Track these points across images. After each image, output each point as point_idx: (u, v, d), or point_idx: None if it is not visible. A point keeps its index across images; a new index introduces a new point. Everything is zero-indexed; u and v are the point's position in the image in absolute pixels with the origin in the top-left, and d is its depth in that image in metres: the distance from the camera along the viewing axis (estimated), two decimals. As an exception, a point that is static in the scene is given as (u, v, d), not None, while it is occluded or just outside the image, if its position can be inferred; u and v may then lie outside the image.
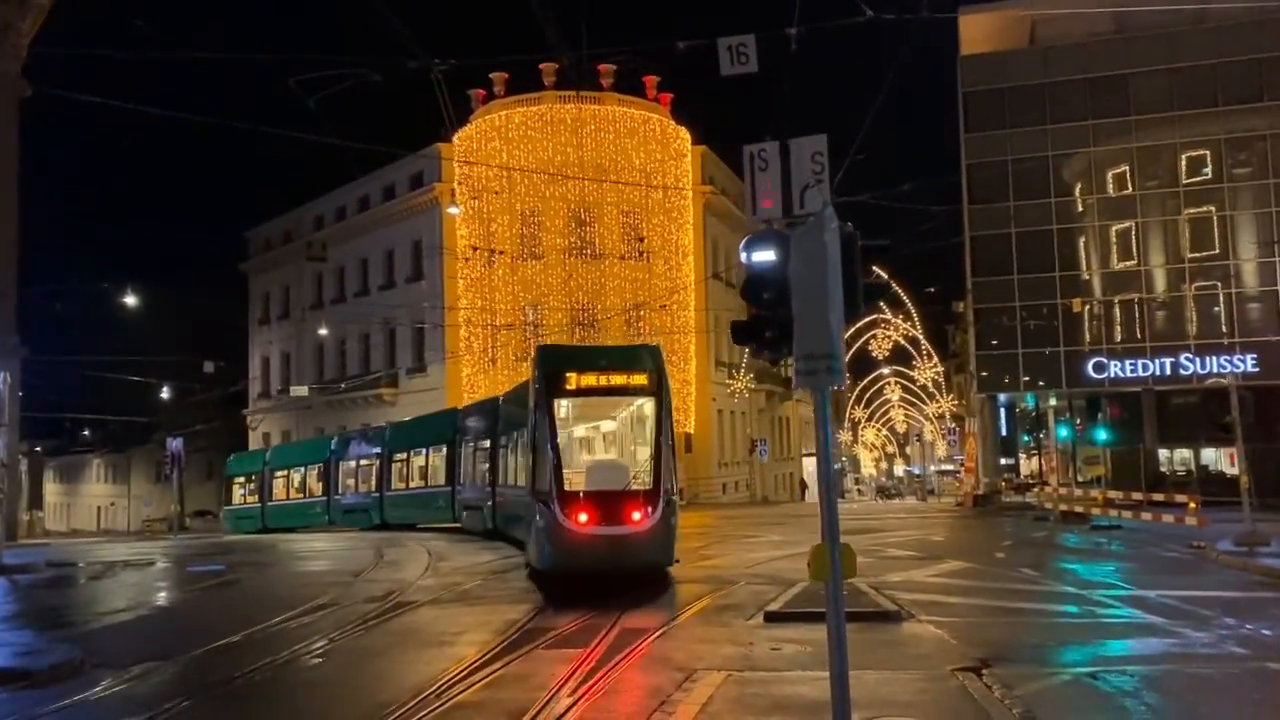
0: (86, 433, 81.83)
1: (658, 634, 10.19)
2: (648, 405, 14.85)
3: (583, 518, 13.26)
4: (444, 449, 27.15)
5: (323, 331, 52.08)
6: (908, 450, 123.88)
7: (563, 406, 14.95)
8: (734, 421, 54.11)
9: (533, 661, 8.93)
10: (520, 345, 43.70)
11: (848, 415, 75.72)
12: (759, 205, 6.32)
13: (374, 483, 31.54)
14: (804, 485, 66.11)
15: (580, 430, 16.13)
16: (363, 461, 32.66)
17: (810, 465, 74.18)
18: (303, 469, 37.09)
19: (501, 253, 42.78)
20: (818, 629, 10.41)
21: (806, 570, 15.02)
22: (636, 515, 13.43)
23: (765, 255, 6.18)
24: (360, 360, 52.51)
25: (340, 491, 34.03)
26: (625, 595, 12.95)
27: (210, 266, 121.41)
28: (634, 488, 13.95)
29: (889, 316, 55.65)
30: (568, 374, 14.85)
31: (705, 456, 48.98)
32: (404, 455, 30.00)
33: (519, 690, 7.85)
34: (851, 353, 68.35)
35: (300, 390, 49.79)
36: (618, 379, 15.06)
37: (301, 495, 36.77)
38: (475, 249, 43.22)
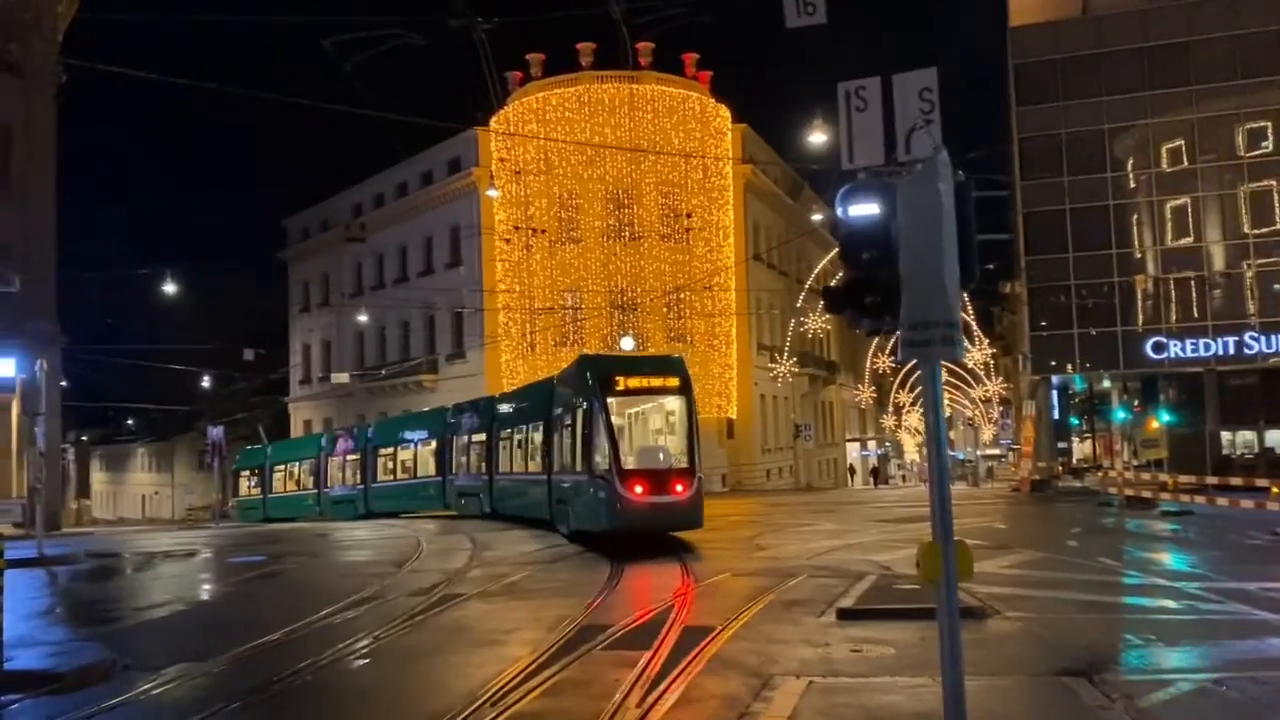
0: (130, 422, 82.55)
1: (723, 633, 9.44)
2: (680, 402, 18.41)
3: (638, 489, 16.72)
4: (433, 444, 29.71)
5: (362, 318, 51.79)
6: (951, 435, 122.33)
7: (612, 405, 17.70)
8: (776, 406, 53.18)
9: (592, 664, 8.23)
10: (559, 330, 43.09)
11: (891, 399, 74.52)
12: (856, 151, 5.50)
13: (360, 476, 33.70)
14: (852, 470, 65.13)
15: (622, 423, 18.33)
16: (350, 457, 34.68)
17: (854, 450, 73.10)
18: (298, 464, 39.03)
19: (543, 231, 42.15)
20: (897, 627, 9.66)
21: (869, 561, 14.28)
22: (679, 488, 17.13)
23: (865, 209, 5.37)
24: (400, 347, 52.23)
25: (329, 484, 35.86)
26: (681, 589, 12.25)
27: (250, 255, 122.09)
28: (676, 466, 17.35)
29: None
30: (616, 378, 18.17)
31: (748, 442, 48.15)
32: (390, 450, 32.45)
33: (581, 699, 7.15)
34: (894, 337, 67.31)
35: (341, 377, 49.58)
36: (656, 382, 18.69)
37: (296, 488, 38.71)
38: (516, 229, 42.67)
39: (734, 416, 46.45)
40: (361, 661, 8.81)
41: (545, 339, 43.29)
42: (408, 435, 32.07)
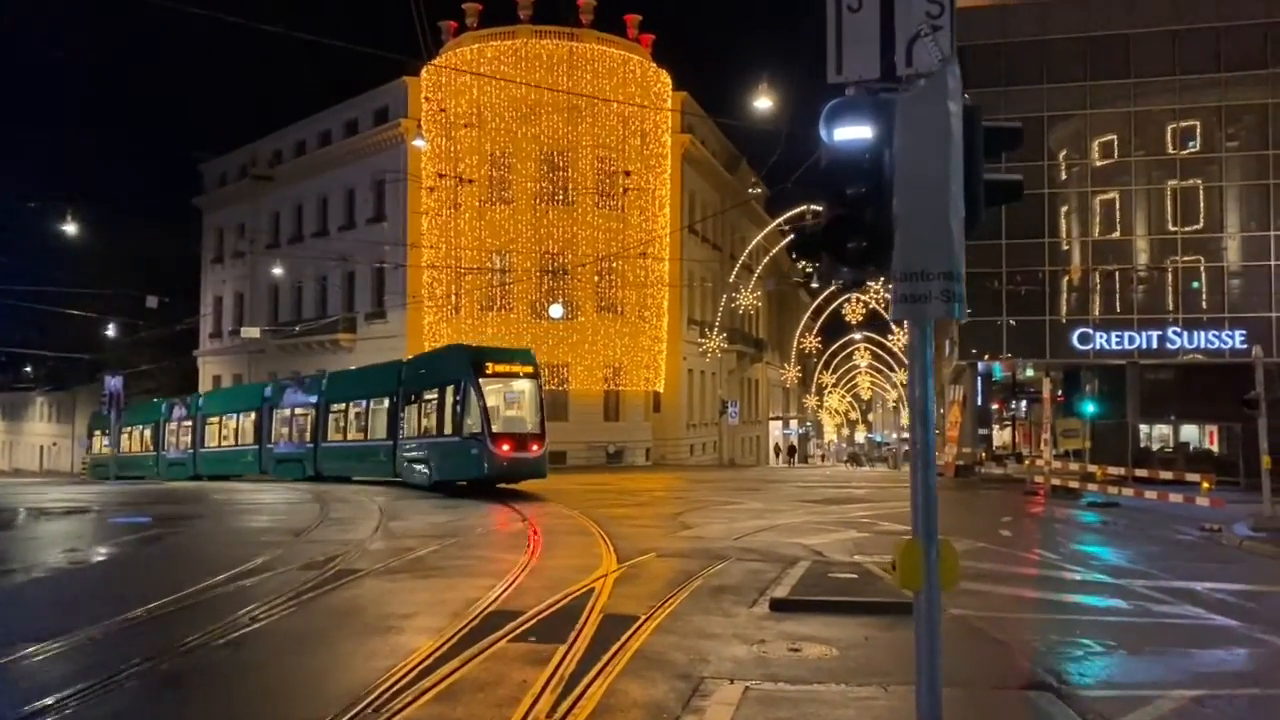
0: (29, 369, 78.64)
1: (648, 624, 8.48)
2: (533, 384, 24.36)
3: (505, 447, 22.66)
4: (385, 402, 27.93)
5: (277, 271, 49.61)
6: (869, 417, 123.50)
7: (484, 384, 23.09)
8: (704, 382, 52.53)
9: (498, 661, 7.19)
10: (486, 293, 41.67)
11: (815, 379, 74.58)
12: (846, 61, 4.49)
13: (310, 433, 31.41)
14: (792, 449, 65.07)
15: (492, 398, 23.29)
16: (299, 410, 32.23)
17: (776, 429, 73.02)
18: (236, 415, 36.05)
19: (471, 182, 40.53)
20: (836, 623, 8.79)
21: (800, 545, 13.46)
22: (535, 447, 23.42)
23: (854, 132, 4.38)
24: (316, 304, 50.19)
25: (274, 440, 33.36)
26: (602, 571, 11.28)
27: (162, 199, 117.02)
28: (531, 432, 23.62)
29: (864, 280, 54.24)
30: (487, 363, 23.81)
31: (674, 417, 47.41)
32: (340, 406, 30.37)
33: (481, 705, 6.11)
34: (824, 316, 67.29)
35: (252, 332, 47.39)
36: (516, 368, 24.40)
37: (234, 443, 35.81)
38: (441, 176, 40.94)
39: (661, 390, 45.62)
40: (229, 650, 7.63)
41: (471, 301, 41.83)
42: (362, 391, 29.50)
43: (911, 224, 4.11)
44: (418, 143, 37.37)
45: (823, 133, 4.39)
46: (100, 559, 13.32)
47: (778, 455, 65.31)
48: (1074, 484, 24.70)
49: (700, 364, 50.26)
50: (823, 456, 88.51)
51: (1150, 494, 21.48)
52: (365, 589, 10.36)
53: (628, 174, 42.22)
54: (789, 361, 64.41)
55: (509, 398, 24.11)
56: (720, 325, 48.15)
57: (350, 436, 29.54)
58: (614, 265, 42.22)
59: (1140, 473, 25.17)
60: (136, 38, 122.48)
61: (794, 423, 78.62)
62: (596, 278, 42.07)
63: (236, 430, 35.28)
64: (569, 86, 40.62)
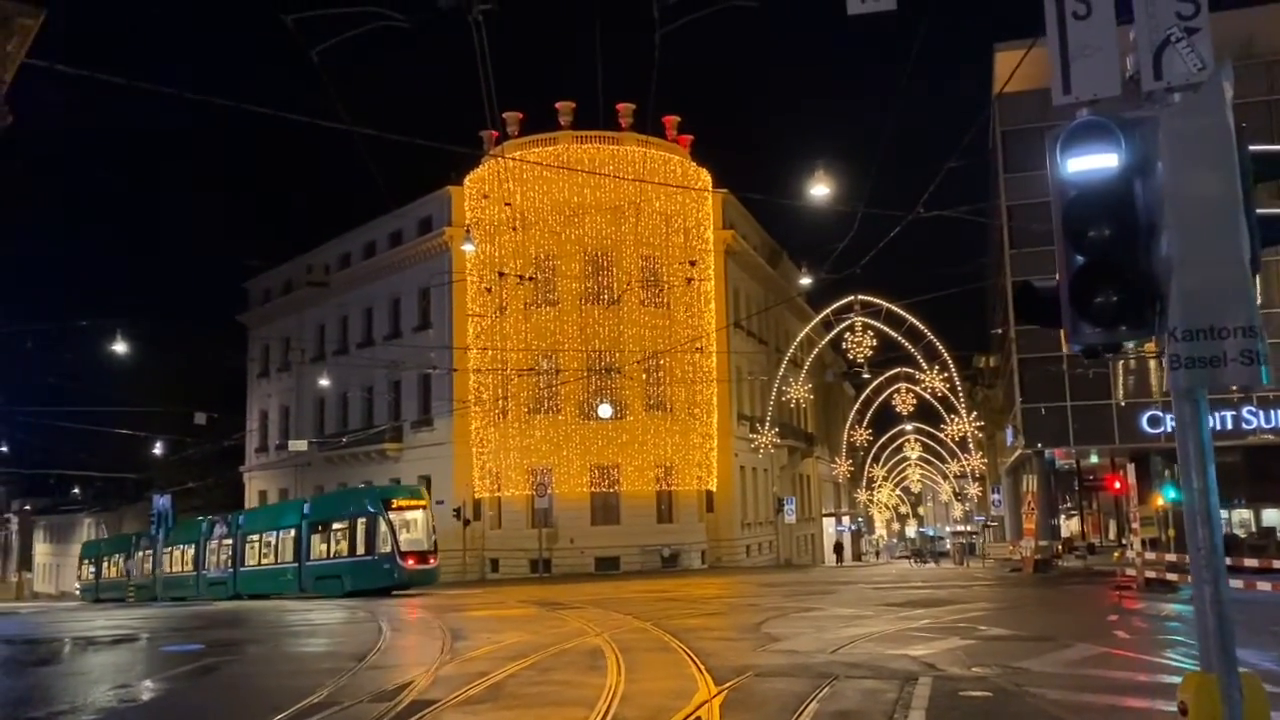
0: (76, 491, 78.78)
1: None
2: (425, 514, 32.64)
3: (411, 561, 30.74)
4: (292, 532, 34.73)
5: (323, 383, 49.50)
6: (920, 510, 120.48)
7: (392, 515, 31.32)
8: (757, 479, 51.23)
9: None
10: (533, 395, 41.06)
11: (866, 473, 72.79)
12: (1076, 78, 3.68)
13: (232, 560, 37.31)
14: (839, 547, 63.13)
15: (396, 523, 31.20)
16: (225, 541, 37.89)
17: (830, 525, 71.04)
18: (183, 547, 40.82)
19: (521, 277, 40.34)
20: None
21: (907, 657, 12.22)
22: (430, 560, 31.83)
23: (1093, 162, 3.53)
24: (363, 414, 49.83)
25: (206, 567, 38.73)
26: (701, 695, 10.13)
27: (207, 318, 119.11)
28: (427, 549, 31.83)
29: (913, 370, 53.17)
30: (393, 500, 32.36)
31: (728, 516, 46.07)
32: (257, 536, 36.57)
33: None
34: (873, 409, 65.95)
35: (299, 445, 47.01)
36: (413, 502, 32.92)
37: (181, 569, 40.95)
38: (501, 275, 40.92)
39: (714, 489, 44.40)
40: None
41: (518, 404, 41.21)
42: (274, 523, 36.33)
43: (1192, 269, 3.24)
44: (466, 247, 37.43)
45: (1056, 164, 3.56)
46: (152, 695, 12.35)
47: (839, 553, 63.39)
48: (1171, 576, 23.11)
49: (752, 460, 49.07)
50: (876, 553, 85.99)
51: (1264, 585, 19.91)
52: (444, 725, 9.30)
53: (692, 263, 42.05)
54: (839, 455, 62.92)
55: (407, 523, 31.61)
56: (770, 420, 47.11)
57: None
58: (661, 363, 41.60)
59: (1251, 562, 23.48)
60: (172, 167, 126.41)
61: (846, 519, 76.59)
62: (644, 376, 41.43)
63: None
64: (611, 188, 40.65)
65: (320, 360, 52.09)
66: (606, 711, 9.52)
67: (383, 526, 30.60)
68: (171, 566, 41.39)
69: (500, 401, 41.75)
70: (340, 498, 36.55)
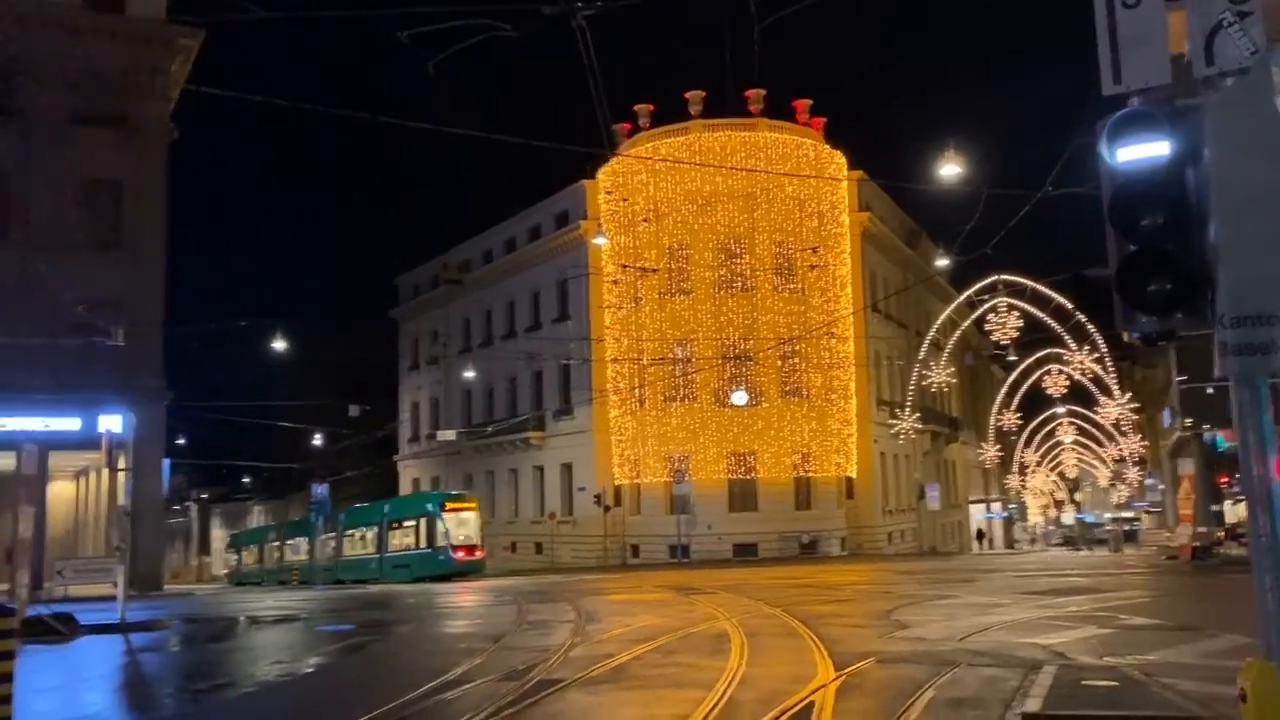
0: (246, 480, 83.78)
1: (883, 746, 7.43)
2: (474, 514, 37.44)
3: (460, 554, 35.57)
4: (375, 529, 40.37)
5: (469, 375, 51.28)
6: (1077, 496, 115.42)
7: (446, 515, 36.33)
8: (898, 465, 50.32)
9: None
10: (669, 384, 41.49)
11: (1017, 458, 70.31)
12: (1126, 66, 3.68)
13: (336, 550, 42.22)
14: (980, 534, 61.43)
15: (451, 522, 36.25)
16: (330, 534, 42.42)
17: (977, 512, 69.03)
18: (299, 539, 47.03)
19: (655, 270, 40.86)
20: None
21: (1036, 645, 12.00)
22: (477, 553, 36.39)
23: (1144, 149, 3.53)
24: (507, 404, 51.37)
25: (318, 556, 42.55)
26: (819, 680, 10.24)
27: (362, 316, 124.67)
28: (474, 543, 36.45)
29: (1063, 351, 51.16)
30: (447, 503, 37.23)
31: (868, 503, 45.44)
32: (353, 531, 41.79)
33: None
34: (1022, 392, 63.64)
35: (447, 435, 48.86)
36: (465, 505, 37.69)
37: (297, 558, 46.65)
38: (625, 267, 41.56)
39: (853, 475, 43.89)
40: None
41: (655, 393, 41.73)
42: (365, 520, 41.69)
43: (1241, 255, 3.23)
44: (599, 240, 38.10)
45: (1104, 154, 3.58)
46: (307, 671, 13.26)
47: (980, 540, 61.60)
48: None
49: (893, 447, 48.25)
50: (1031, 540, 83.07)
51: None
52: (568, 703, 9.73)
53: (815, 250, 41.65)
54: (986, 440, 61.06)
55: (461, 524, 36.55)
56: (911, 405, 46.21)
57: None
58: (797, 349, 41.35)
59: None
60: (323, 178, 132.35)
61: (996, 505, 74.23)
62: (779, 362, 41.27)
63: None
64: (743, 175, 40.63)
65: (466, 353, 53.95)
66: (723, 694, 9.75)
67: (440, 525, 35.95)
68: (293, 555, 47.22)
69: (637, 390, 42.35)
70: (410, 501, 42.69)
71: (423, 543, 36.81)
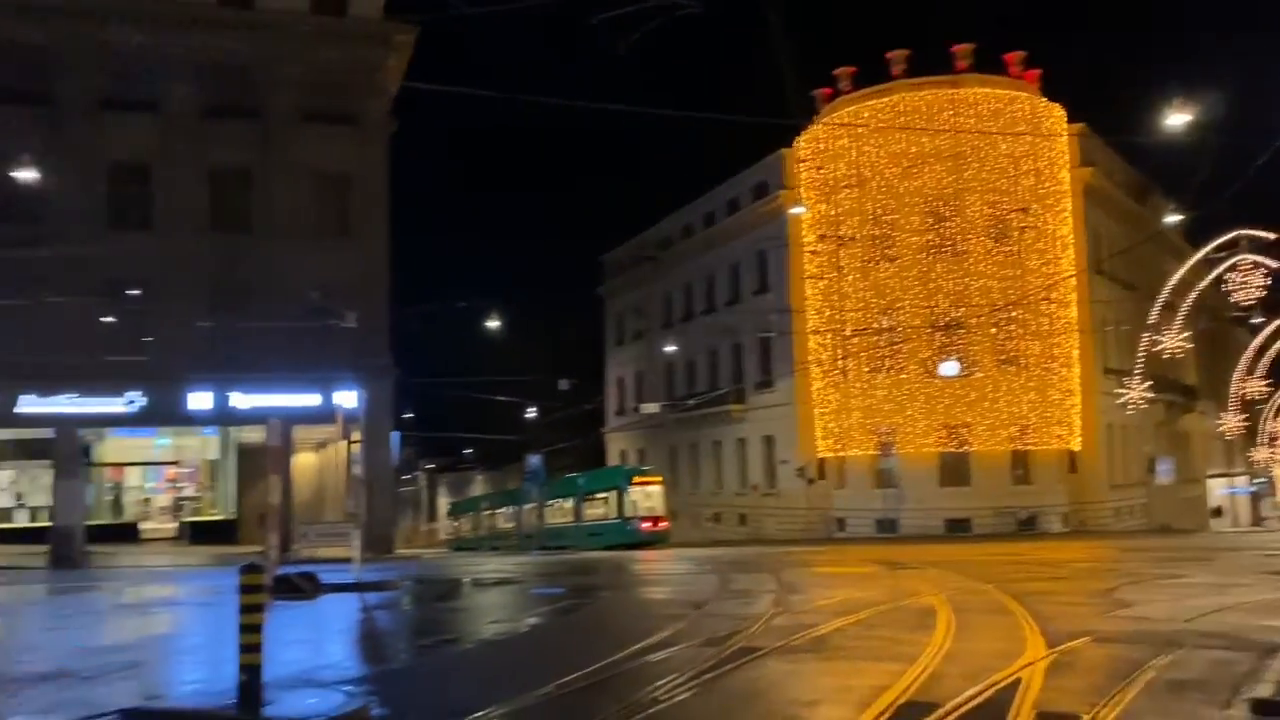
0: (468, 451, 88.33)
1: (1094, 727, 7.15)
2: (660, 488, 39.37)
3: (646, 524, 37.59)
4: (572, 500, 42.08)
5: (671, 349, 51.99)
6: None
7: (632, 489, 38.47)
8: (1126, 437, 47.21)
9: (916, 764, 6.30)
10: (874, 355, 40.63)
11: (1266, 429, 64.49)
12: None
13: (538, 519, 43.03)
14: (1219, 511, 57.03)
15: (636, 496, 38.31)
16: (532, 505, 43.43)
17: (1217, 487, 63.88)
18: (510, 508, 48.84)
19: (853, 238, 40.08)
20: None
21: (1274, 629, 11.13)
22: (662, 524, 38.39)
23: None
24: (708, 377, 51.78)
25: (524, 524, 44.38)
26: (1028, 657, 9.90)
27: (569, 292, 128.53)
28: (659, 514, 38.46)
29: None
30: (634, 477, 39.72)
31: (1093, 478, 42.92)
32: (553, 502, 42.71)
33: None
34: (1269, 356, 58.18)
35: (650, 408, 49.79)
36: (650, 479, 39.75)
37: (506, 525, 48.53)
38: (822, 237, 40.91)
39: (1077, 448, 41.61)
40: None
41: (858, 364, 40.98)
42: (562, 492, 42.99)
43: None
44: (796, 210, 37.60)
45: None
46: (524, 630, 14.00)
47: (1218, 516, 57.06)
48: None
49: (1120, 418, 45.28)
50: (1281, 518, 76.16)
51: None
52: (766, 670, 9.86)
53: (1027, 210, 39.64)
54: (1227, 410, 56.30)
55: (647, 496, 38.51)
56: (1142, 373, 43.23)
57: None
58: (1013, 315, 39.52)
59: None
60: (530, 156, 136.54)
61: (1240, 480, 68.45)
62: (994, 330, 39.57)
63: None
64: (952, 135, 39.07)
65: (667, 327, 54.68)
66: (926, 668, 9.61)
67: (628, 497, 38.04)
68: (502, 523, 49.70)
69: (840, 362, 41.68)
70: (601, 475, 44.79)
71: (612, 514, 38.80)
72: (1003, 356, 39.89)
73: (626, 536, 37.32)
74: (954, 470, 40.09)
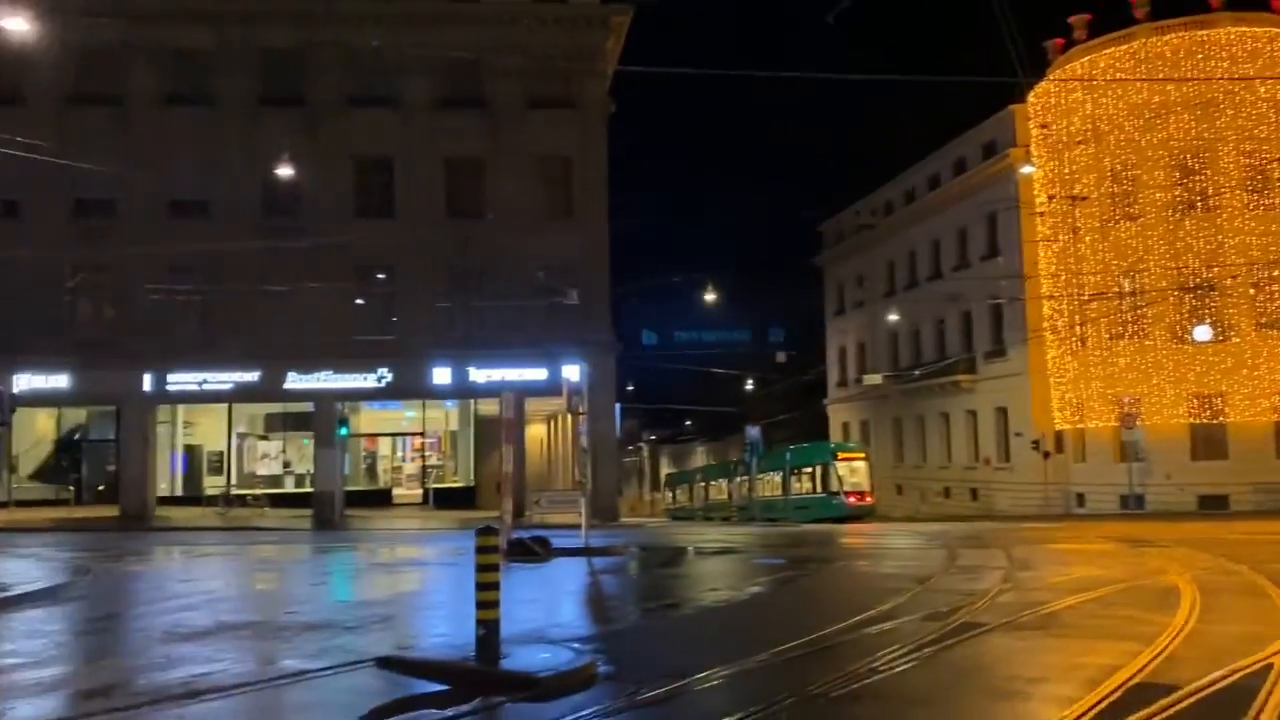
0: (689, 423, 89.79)
1: (1355, 719, 6.64)
2: (864, 462, 40.33)
3: (852, 499, 38.25)
4: (780, 474, 42.84)
5: (894, 318, 50.80)
6: None
7: (838, 464, 39.22)
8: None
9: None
10: (1114, 320, 38.15)
11: None
12: None
13: (749, 491, 43.32)
14: None
15: (843, 471, 39.10)
16: (744, 477, 44.35)
17: None
18: (721, 481, 50.77)
19: (1084, 198, 37.71)
20: None
21: None
22: (867, 498, 39.05)
23: None
24: (935, 346, 50.19)
25: (736, 496, 45.94)
26: (1275, 642, 9.22)
27: (786, 263, 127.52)
28: (865, 489, 39.06)
29: None
30: (839, 453, 40.98)
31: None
32: (763, 475, 42.85)
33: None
34: None
35: (873, 379, 48.83)
36: (855, 455, 41.18)
37: (719, 497, 50.02)
38: (1051, 199, 38.68)
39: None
40: (846, 703, 7.52)
41: (1097, 330, 38.61)
42: (771, 466, 43.19)
43: None
44: (1026, 169, 35.74)
45: None
46: (744, 598, 14.30)
47: None
48: None
49: None
50: None
51: None
52: (989, 646, 9.69)
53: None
54: None
55: (853, 471, 39.28)
56: None
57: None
58: (1275, 274, 36.07)
59: None
60: (741, 130, 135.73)
61: None
62: (1252, 290, 36.27)
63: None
64: (1201, 81, 35.93)
65: (890, 295, 53.34)
66: (1164, 648, 9.16)
67: (834, 472, 38.87)
68: (715, 495, 50.76)
69: (1078, 328, 39.38)
70: (808, 450, 44.57)
71: (819, 488, 39.71)
72: (1263, 319, 36.54)
73: (833, 510, 37.77)
74: (1208, 443, 37.15)
